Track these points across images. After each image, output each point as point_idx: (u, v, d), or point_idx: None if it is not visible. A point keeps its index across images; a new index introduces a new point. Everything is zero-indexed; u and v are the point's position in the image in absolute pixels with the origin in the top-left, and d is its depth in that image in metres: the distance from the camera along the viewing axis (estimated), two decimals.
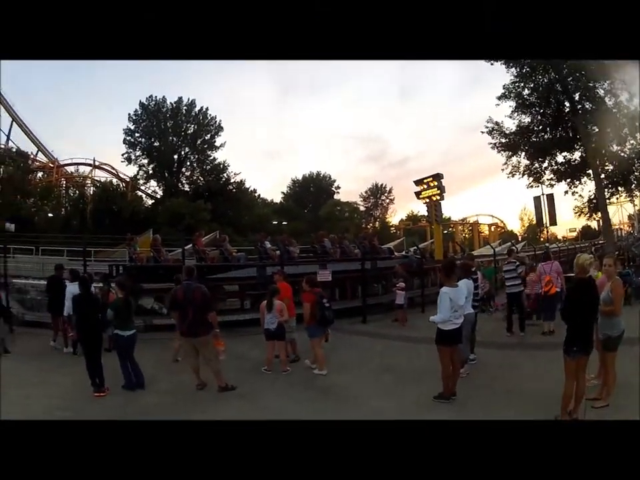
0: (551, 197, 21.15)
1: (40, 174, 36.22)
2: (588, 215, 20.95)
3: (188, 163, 39.10)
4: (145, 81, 65.49)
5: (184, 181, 39.16)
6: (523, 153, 19.65)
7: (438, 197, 19.90)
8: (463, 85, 73.60)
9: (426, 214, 23.03)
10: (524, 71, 18.02)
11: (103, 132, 63.68)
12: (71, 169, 37.84)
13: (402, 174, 68.47)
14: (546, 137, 19.05)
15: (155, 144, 37.73)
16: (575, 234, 43.34)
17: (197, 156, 38.83)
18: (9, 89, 35.22)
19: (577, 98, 18.04)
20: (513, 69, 18.15)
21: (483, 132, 19.78)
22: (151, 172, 38.28)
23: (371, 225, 48.51)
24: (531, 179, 20.13)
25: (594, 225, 34.29)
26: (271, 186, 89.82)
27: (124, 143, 37.64)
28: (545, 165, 19.75)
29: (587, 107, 17.86)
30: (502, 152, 19.84)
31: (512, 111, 19.07)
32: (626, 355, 4.71)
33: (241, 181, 39.67)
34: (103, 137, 64.37)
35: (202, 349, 5.48)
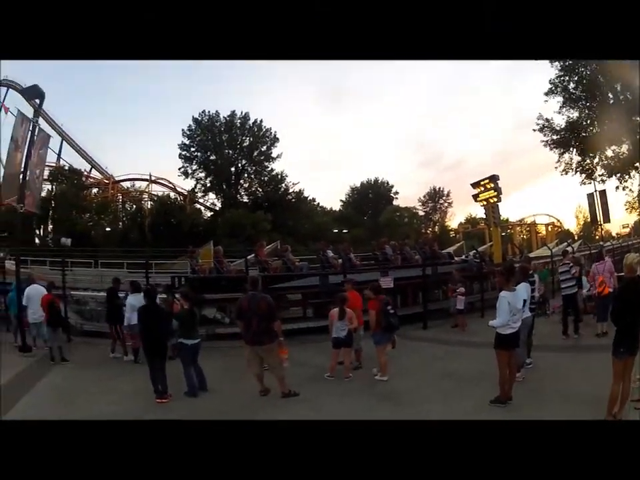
0: (603, 193, 20.38)
1: (95, 190, 37.18)
2: (639, 210, 20.23)
3: (245, 175, 39.42)
4: (196, 96, 66.36)
5: (242, 193, 39.49)
6: (575, 149, 19.07)
7: (495, 199, 19.15)
8: (509, 82, 70.75)
9: (484, 216, 22.45)
10: (567, 63, 17.55)
11: (157, 148, 65.96)
12: (126, 184, 38.63)
13: (458, 176, 65.99)
14: (594, 131, 18.40)
15: (212, 157, 38.30)
16: (627, 230, 40.57)
17: (254, 167, 39.17)
18: (59, 111, 36.78)
19: (618, 88, 17.35)
20: (557, 62, 17.72)
21: (534, 130, 19.42)
22: (208, 185, 38.78)
23: (430, 229, 46.88)
24: (584, 175, 19.54)
25: None
26: (329, 194, 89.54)
27: (180, 158, 38.27)
28: (596, 160, 19.13)
29: (629, 96, 17.10)
30: (554, 149, 19.37)
31: (560, 107, 18.71)
32: None
33: (300, 190, 39.72)
34: (157, 152, 66.10)
35: (267, 357, 5.57)
